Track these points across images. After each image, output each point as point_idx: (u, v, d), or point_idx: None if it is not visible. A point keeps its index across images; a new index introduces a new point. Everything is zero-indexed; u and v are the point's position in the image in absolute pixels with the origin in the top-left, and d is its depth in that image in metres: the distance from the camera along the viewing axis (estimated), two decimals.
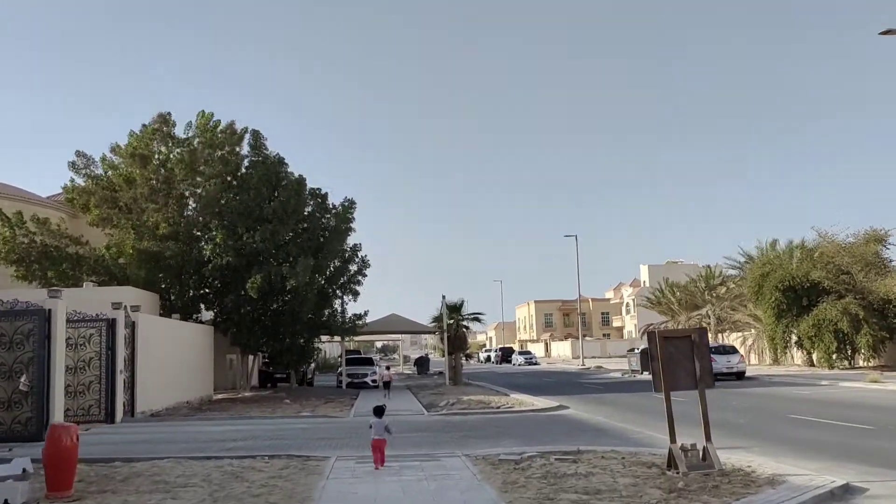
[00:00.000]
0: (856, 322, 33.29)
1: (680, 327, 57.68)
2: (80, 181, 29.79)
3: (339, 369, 36.71)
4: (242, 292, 28.10)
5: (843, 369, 34.86)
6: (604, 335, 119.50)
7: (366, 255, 32.07)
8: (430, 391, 31.00)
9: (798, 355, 39.34)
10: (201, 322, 30.77)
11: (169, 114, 29.96)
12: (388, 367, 34.47)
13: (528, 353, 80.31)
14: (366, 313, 32.57)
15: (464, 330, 35.90)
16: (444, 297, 34.58)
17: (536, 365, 72.45)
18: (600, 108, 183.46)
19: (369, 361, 37.81)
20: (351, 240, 31.93)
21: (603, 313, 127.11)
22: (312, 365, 39.60)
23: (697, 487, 8.43)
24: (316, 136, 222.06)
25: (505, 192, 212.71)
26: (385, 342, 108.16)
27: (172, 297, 29.91)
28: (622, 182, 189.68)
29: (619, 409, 21.39)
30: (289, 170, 30.76)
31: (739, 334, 49.87)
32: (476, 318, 36.02)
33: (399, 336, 78.93)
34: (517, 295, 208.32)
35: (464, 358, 36.35)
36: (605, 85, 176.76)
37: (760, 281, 37.75)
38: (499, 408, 22.07)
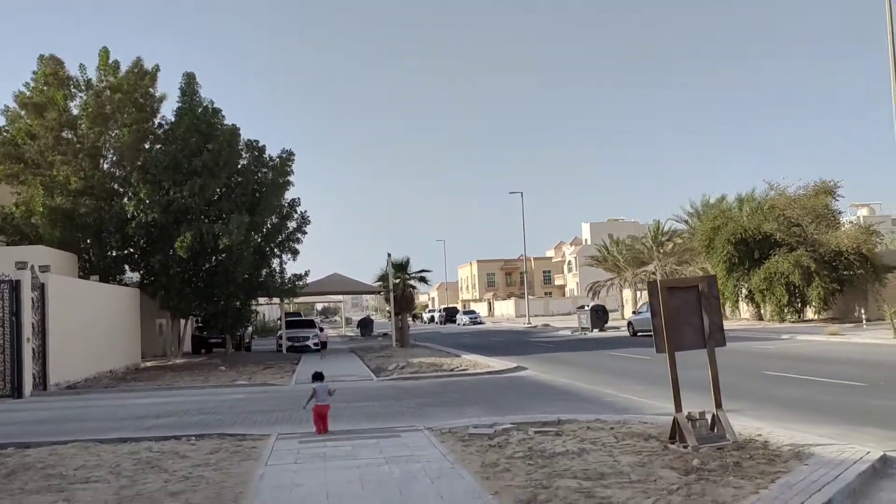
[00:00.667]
0: (807, 275, 32.93)
1: (625, 284, 57.36)
2: None
3: (279, 333, 34.68)
4: (171, 252, 25.80)
5: (793, 322, 34.63)
6: (546, 294, 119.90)
7: (305, 211, 29.98)
8: (377, 354, 29.39)
9: (746, 310, 39.06)
10: (126, 285, 28.30)
11: (61, 59, 27.01)
12: (321, 329, 34.26)
13: (473, 312, 79.29)
14: (306, 273, 30.64)
15: (410, 289, 34.28)
16: (389, 254, 32.87)
17: (481, 325, 71.57)
18: (546, 58, 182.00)
19: (310, 324, 35.85)
20: (289, 195, 29.76)
21: (545, 272, 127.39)
22: (250, 329, 37.46)
23: (717, 466, 7.01)
24: (252, 87, 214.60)
25: (447, 148, 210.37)
26: (326, 304, 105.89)
27: (93, 258, 27.36)
28: (562, 139, 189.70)
29: (581, 369, 20.15)
30: (223, 120, 28.26)
31: None
32: (422, 278, 34.39)
33: (340, 298, 76.86)
34: (459, 255, 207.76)
35: (410, 318, 34.69)
36: (553, 32, 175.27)
37: (711, 234, 37.06)
38: (453, 370, 20.60)
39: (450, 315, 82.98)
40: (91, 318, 21.64)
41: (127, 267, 28.40)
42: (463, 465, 7.55)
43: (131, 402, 15.53)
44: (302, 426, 11.19)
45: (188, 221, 25.87)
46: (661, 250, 50.66)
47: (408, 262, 33.82)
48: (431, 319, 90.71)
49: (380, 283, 35.28)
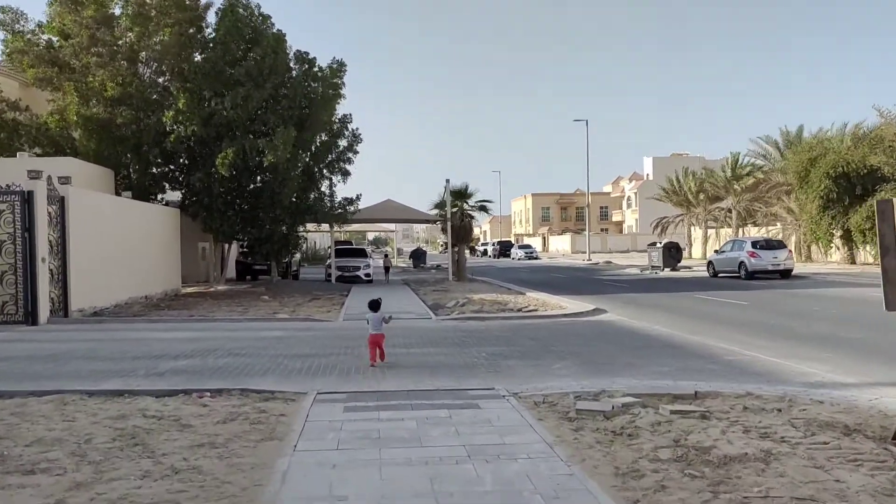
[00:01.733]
0: None
1: (696, 221, 53.68)
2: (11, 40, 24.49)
3: (328, 261, 32.59)
4: (213, 170, 23.54)
5: None
6: (602, 230, 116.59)
7: (357, 129, 27.25)
8: (432, 287, 27.02)
9: (837, 252, 35.35)
10: (166, 204, 26.29)
11: None
12: (386, 255, 34.03)
13: (529, 247, 76.45)
14: (358, 197, 28.04)
15: (469, 219, 31.59)
16: (447, 181, 30.03)
17: (537, 259, 68.84)
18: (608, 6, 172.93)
19: (362, 253, 33.51)
20: (340, 110, 27.03)
21: (602, 207, 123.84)
22: (298, 256, 35.39)
23: None
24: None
25: (502, 83, 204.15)
26: (377, 233, 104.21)
27: (132, 175, 25.33)
28: (620, 76, 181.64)
29: (671, 314, 17.34)
30: (271, 27, 25.46)
31: (763, 228, 45.94)
32: (483, 207, 31.56)
33: (392, 227, 74.61)
34: (512, 189, 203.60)
35: (468, 251, 32.11)
36: None
37: (807, 166, 33.19)
38: (521, 311, 18.03)
39: (504, 249, 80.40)
40: (123, 239, 19.62)
41: (166, 185, 26.31)
42: (587, 472, 4.97)
43: (155, 336, 13.40)
44: (348, 379, 8.81)
45: (230, 136, 23.50)
46: (740, 184, 46.65)
47: (467, 189, 31.06)
48: (485, 253, 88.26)
49: (436, 211, 32.69)
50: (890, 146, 30.92)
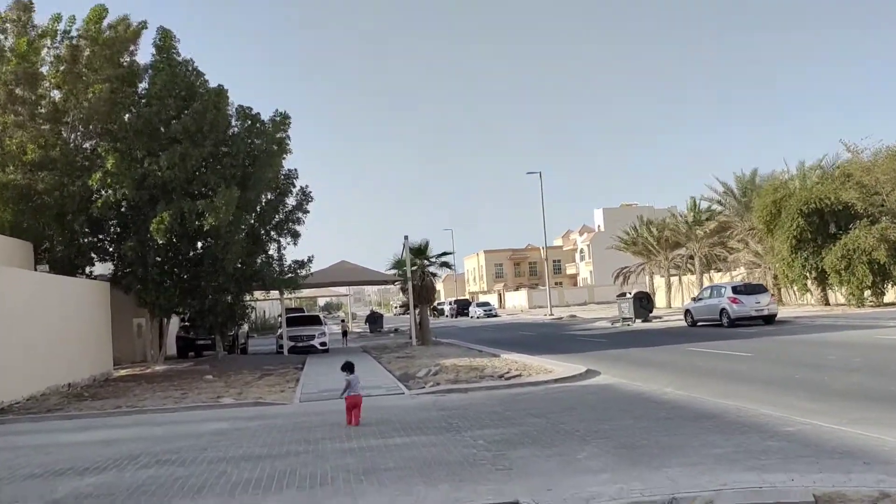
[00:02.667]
0: (893, 251, 28.16)
1: (657, 269, 52.63)
2: None
3: (279, 331, 29.95)
4: (147, 237, 21.11)
5: (872, 307, 29.87)
6: (556, 283, 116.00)
7: (307, 186, 25.19)
8: (396, 354, 24.73)
9: (811, 294, 34.19)
10: (94, 278, 23.59)
11: (30, 1, 22.21)
12: (342, 320, 31.87)
13: (487, 304, 74.58)
14: (310, 260, 25.70)
15: (430, 277, 29.54)
16: (406, 237, 28.01)
17: (497, 317, 66.95)
18: (548, 58, 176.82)
19: (316, 320, 30.94)
20: (287, 164, 24.92)
21: (555, 261, 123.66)
22: (245, 327, 32.63)
23: None
24: (248, 57, 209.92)
25: (449, 136, 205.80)
26: (329, 297, 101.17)
27: (57, 247, 22.65)
28: (564, 132, 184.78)
29: (671, 372, 15.39)
30: (206, 83, 23.38)
31: (727, 274, 44.99)
32: (445, 263, 29.57)
33: (344, 291, 71.93)
34: (463, 246, 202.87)
35: (431, 312, 29.79)
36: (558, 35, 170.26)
37: (774, 207, 32.17)
38: (503, 377, 15.87)
39: (461, 307, 78.37)
40: (41, 321, 16.90)
41: (95, 257, 23.65)
42: None
43: (65, 440, 10.80)
44: (313, 495, 6.49)
45: (166, 199, 21.16)
46: (703, 229, 45.71)
47: (427, 245, 29.08)
48: (441, 312, 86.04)
49: (394, 270, 30.56)
50: (859, 182, 30.13)
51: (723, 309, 26.72)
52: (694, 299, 29.75)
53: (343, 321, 34.78)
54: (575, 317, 49.79)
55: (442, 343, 28.97)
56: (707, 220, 45.98)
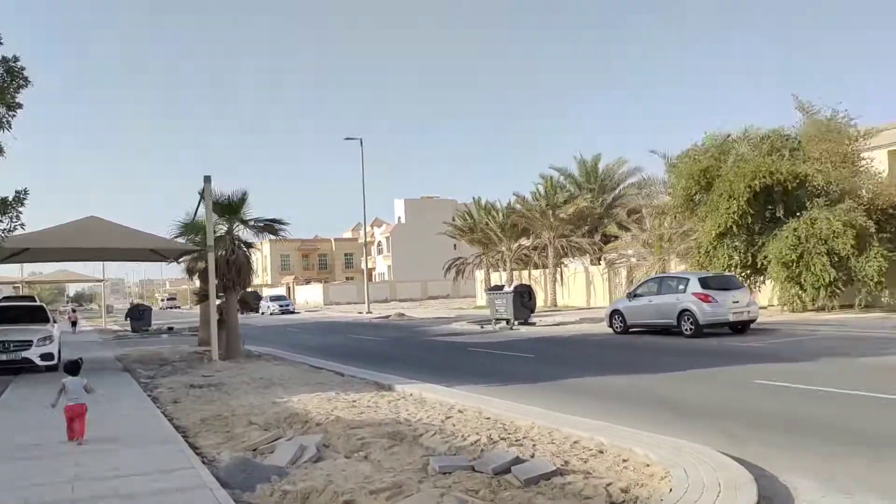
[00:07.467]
0: (862, 239, 21.84)
1: (483, 263, 44.77)
2: None
3: None
4: None
5: (814, 311, 23.51)
6: (347, 278, 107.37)
7: (18, 59, 12.89)
8: (186, 378, 13.51)
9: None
10: None
11: None
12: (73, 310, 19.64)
13: (283, 298, 62.82)
14: (20, 197, 13.18)
15: (244, 250, 18.20)
16: (207, 179, 16.42)
17: (296, 313, 55.70)
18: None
19: (38, 313, 17.94)
20: None
21: (346, 254, 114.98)
22: None
23: None
24: None
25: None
26: (81, 287, 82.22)
27: None
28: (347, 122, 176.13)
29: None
30: None
31: (579, 264, 38.14)
32: (269, 227, 18.21)
33: (100, 277, 54.76)
34: None
35: (240, 309, 18.10)
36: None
37: (704, 178, 24.64)
38: (495, 475, 5.76)
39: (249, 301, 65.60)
40: None
41: None
42: None
43: None
44: None
45: None
46: (556, 215, 38.22)
47: (244, 198, 17.76)
48: (254, 309, 72.23)
49: (183, 236, 18.96)
50: (809, 156, 23.59)
51: (684, 310, 18.50)
52: (629, 295, 21.27)
53: (74, 310, 22.81)
54: (404, 315, 40.13)
55: (261, 357, 17.86)
56: (565, 202, 38.54)
